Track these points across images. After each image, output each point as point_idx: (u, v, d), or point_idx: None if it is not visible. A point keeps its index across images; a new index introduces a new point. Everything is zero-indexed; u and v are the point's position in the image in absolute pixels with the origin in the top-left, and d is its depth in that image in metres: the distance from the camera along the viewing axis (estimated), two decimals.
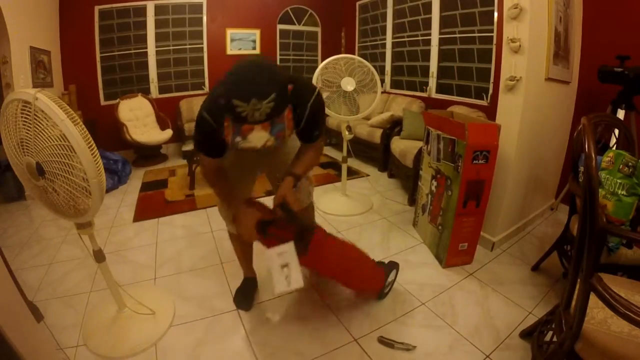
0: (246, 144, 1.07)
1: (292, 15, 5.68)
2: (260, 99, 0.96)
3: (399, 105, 4.32)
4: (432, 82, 4.25)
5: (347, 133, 2.83)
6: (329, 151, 4.83)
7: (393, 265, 1.86)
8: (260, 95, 0.96)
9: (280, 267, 1.27)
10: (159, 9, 4.69)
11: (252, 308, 1.75)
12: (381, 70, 5.01)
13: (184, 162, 3.67)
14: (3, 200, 3.19)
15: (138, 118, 4.47)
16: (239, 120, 1.00)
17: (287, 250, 1.27)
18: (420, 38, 4.37)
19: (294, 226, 1.32)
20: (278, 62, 5.76)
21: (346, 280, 1.64)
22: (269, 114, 0.99)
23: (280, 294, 1.46)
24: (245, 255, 1.82)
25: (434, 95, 4.26)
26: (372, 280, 1.73)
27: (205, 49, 5.10)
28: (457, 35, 3.86)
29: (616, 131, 2.14)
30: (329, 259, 1.47)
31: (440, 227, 2.16)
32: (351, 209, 2.91)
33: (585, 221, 0.95)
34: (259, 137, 1.05)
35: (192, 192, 3.38)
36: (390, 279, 1.82)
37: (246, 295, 1.79)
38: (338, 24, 5.86)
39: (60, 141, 1.17)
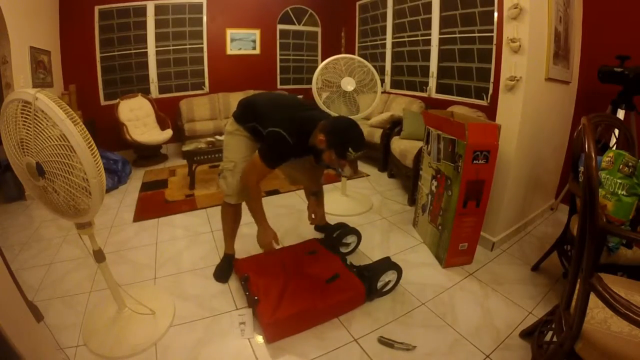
0: (344, 173, 1.65)
1: (292, 15, 5.68)
2: (361, 151, 1.56)
3: (399, 105, 4.32)
4: (432, 82, 4.25)
5: None
6: None
7: (390, 266, 1.84)
8: (362, 149, 1.56)
9: (239, 323, 1.64)
10: (159, 9, 4.69)
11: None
12: (381, 70, 5.01)
13: (184, 162, 3.66)
14: (3, 200, 3.19)
15: (138, 118, 4.46)
16: (342, 158, 1.55)
17: (245, 313, 1.68)
18: (420, 38, 4.37)
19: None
20: (278, 62, 5.77)
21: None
22: (357, 157, 1.57)
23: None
24: (232, 232, 2.03)
25: (434, 95, 4.26)
26: (347, 305, 1.74)
27: (205, 49, 5.09)
28: (457, 35, 3.86)
29: (616, 131, 2.14)
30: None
31: (440, 227, 2.16)
32: (351, 209, 2.91)
33: (585, 221, 0.95)
34: (347, 170, 1.63)
35: (192, 192, 3.38)
36: (387, 278, 1.83)
37: (225, 270, 2.00)
38: (338, 24, 5.85)
39: (60, 141, 1.17)
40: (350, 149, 1.51)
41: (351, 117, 2.78)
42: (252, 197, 1.78)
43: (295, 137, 1.61)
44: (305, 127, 1.64)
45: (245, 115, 1.82)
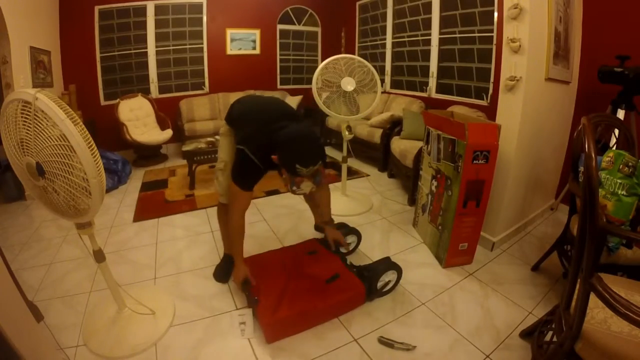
0: (299, 191, 1.51)
1: (292, 15, 5.68)
2: (314, 165, 1.44)
3: (399, 105, 4.32)
4: (432, 82, 4.25)
5: (347, 133, 2.83)
6: (330, 151, 4.82)
7: (390, 266, 1.84)
8: (314, 163, 1.44)
9: (239, 323, 1.62)
10: (159, 9, 4.69)
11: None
12: (381, 70, 5.01)
13: (184, 162, 3.66)
14: (3, 200, 3.19)
15: (138, 118, 4.46)
16: (294, 175, 1.45)
17: (246, 313, 1.64)
18: (420, 38, 4.37)
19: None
20: (278, 62, 5.77)
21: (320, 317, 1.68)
22: (314, 172, 1.46)
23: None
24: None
25: (434, 95, 4.26)
26: (347, 305, 1.73)
27: (205, 49, 5.10)
28: (457, 35, 3.86)
29: (616, 131, 2.14)
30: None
31: (440, 227, 2.16)
32: (351, 209, 2.91)
33: (585, 221, 0.95)
34: (307, 185, 1.49)
35: (192, 192, 3.38)
36: (387, 278, 1.83)
37: (225, 270, 1.98)
38: (338, 24, 5.86)
39: (60, 141, 1.17)
40: (297, 166, 1.41)
41: (351, 117, 2.80)
42: (233, 233, 1.71)
43: (260, 154, 1.56)
44: (270, 143, 1.52)
45: (230, 120, 1.87)
